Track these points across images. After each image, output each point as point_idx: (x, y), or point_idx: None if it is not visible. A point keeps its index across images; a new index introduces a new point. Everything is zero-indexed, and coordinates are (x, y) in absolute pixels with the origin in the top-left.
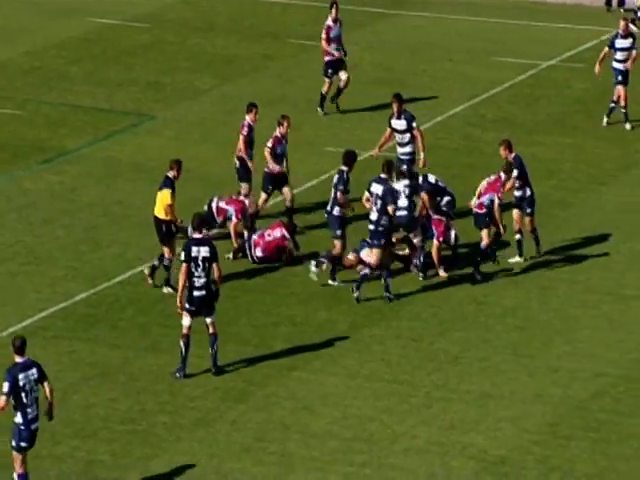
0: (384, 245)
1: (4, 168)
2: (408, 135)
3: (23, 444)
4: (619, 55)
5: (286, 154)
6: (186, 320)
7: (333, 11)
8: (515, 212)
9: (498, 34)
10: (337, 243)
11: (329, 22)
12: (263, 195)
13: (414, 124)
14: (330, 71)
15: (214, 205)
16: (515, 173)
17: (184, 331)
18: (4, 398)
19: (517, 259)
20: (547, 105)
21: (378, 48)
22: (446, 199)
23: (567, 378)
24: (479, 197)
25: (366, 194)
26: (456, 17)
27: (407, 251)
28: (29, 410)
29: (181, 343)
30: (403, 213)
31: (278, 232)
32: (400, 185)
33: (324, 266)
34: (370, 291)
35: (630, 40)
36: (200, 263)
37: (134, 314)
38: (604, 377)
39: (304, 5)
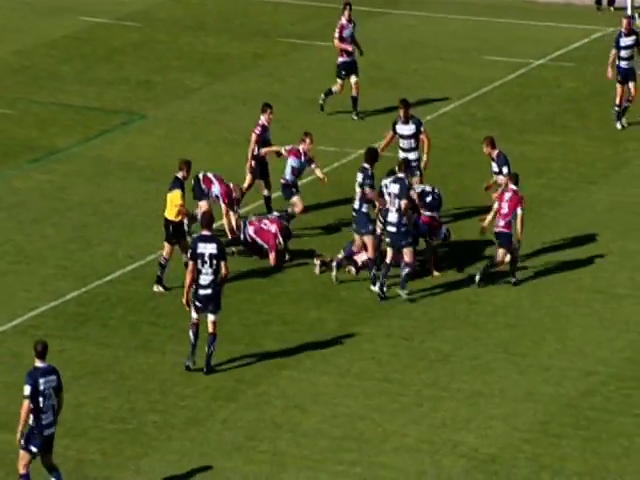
0: (413, 242)
1: None
2: (414, 140)
3: (32, 448)
4: (623, 53)
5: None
6: (194, 313)
7: (346, 12)
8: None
9: (488, 33)
10: (369, 240)
11: (342, 21)
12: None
13: (422, 129)
14: (343, 72)
15: (200, 175)
16: (505, 170)
17: (193, 321)
18: (27, 402)
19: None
20: (537, 104)
21: (369, 47)
22: (428, 199)
23: (558, 376)
24: (505, 217)
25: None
26: (447, 16)
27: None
28: (44, 415)
29: (190, 333)
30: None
31: (273, 227)
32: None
33: (372, 272)
34: (360, 290)
35: (633, 37)
36: (207, 260)
37: (124, 313)
38: (595, 375)
39: (295, 4)
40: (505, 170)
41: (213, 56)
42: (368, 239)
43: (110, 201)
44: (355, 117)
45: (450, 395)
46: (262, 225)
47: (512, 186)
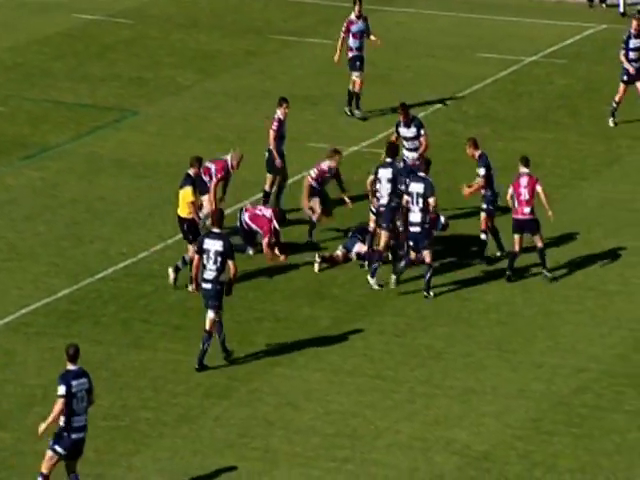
0: (431, 244)
1: None
2: (418, 141)
3: (58, 449)
4: (632, 55)
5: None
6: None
7: (356, 7)
8: (483, 213)
9: (480, 30)
10: (385, 235)
11: (351, 17)
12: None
13: (422, 131)
14: (358, 63)
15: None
16: (482, 172)
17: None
18: (61, 401)
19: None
20: (529, 101)
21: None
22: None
23: (550, 373)
24: (528, 204)
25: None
26: (439, 13)
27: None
28: (75, 418)
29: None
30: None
31: (268, 212)
32: (383, 177)
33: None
34: (353, 287)
35: None
36: (212, 256)
37: (117, 310)
38: (586, 372)
39: (286, 1)
40: (482, 172)
41: (205, 53)
42: (385, 234)
43: (102, 198)
44: (358, 112)
45: (443, 392)
46: (257, 211)
47: (524, 169)
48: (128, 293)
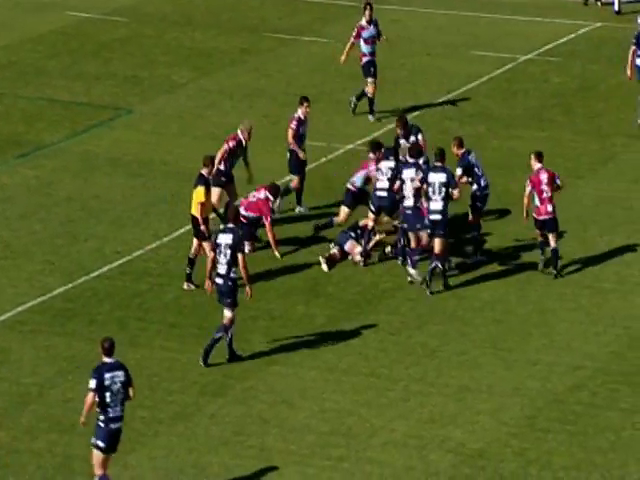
0: (447, 234)
1: None
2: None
3: (100, 443)
4: None
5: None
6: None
7: (367, 12)
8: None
9: (476, 28)
10: (441, 241)
11: (362, 22)
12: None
13: (420, 136)
14: (372, 69)
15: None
16: (459, 172)
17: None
18: (91, 394)
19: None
20: (524, 99)
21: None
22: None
23: (545, 371)
24: (551, 201)
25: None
26: (434, 11)
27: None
28: (110, 410)
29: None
30: (384, 194)
31: (262, 193)
32: (384, 166)
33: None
34: (348, 285)
35: None
36: (223, 250)
37: (111, 308)
38: (582, 370)
39: None
40: (459, 172)
41: (200, 51)
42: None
43: (97, 196)
44: (371, 117)
45: (437, 390)
46: (250, 199)
47: (538, 164)
48: (123, 291)
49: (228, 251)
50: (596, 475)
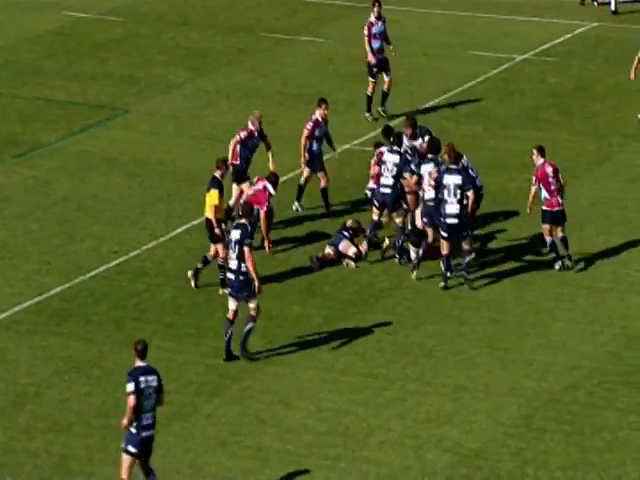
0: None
1: None
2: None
3: (131, 449)
4: None
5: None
6: (230, 304)
7: (375, 9)
8: None
9: (472, 28)
10: (430, 230)
11: (371, 19)
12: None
13: (426, 138)
14: (375, 70)
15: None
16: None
17: (228, 315)
18: (132, 397)
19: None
20: (521, 99)
21: (353, 42)
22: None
23: (541, 371)
24: (560, 193)
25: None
26: (431, 11)
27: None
28: (143, 415)
29: (224, 324)
30: (387, 191)
31: (261, 184)
32: (390, 162)
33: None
34: (345, 284)
35: None
36: (233, 245)
37: (108, 308)
38: (578, 370)
39: None
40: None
41: (197, 51)
42: (429, 229)
43: (94, 196)
44: (369, 115)
45: (434, 390)
46: (249, 192)
47: (541, 159)
48: (120, 291)
49: (237, 246)
50: (593, 475)
